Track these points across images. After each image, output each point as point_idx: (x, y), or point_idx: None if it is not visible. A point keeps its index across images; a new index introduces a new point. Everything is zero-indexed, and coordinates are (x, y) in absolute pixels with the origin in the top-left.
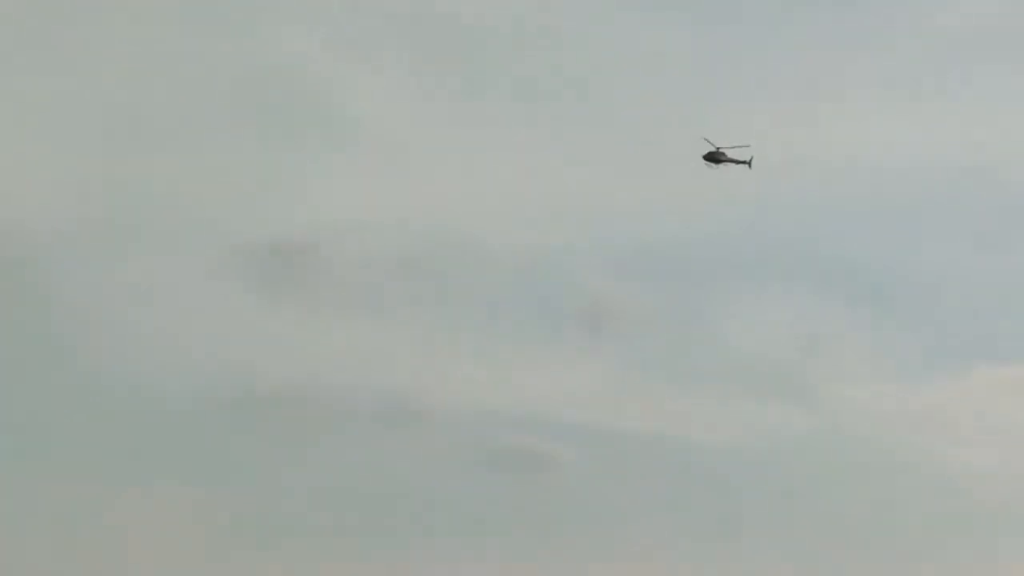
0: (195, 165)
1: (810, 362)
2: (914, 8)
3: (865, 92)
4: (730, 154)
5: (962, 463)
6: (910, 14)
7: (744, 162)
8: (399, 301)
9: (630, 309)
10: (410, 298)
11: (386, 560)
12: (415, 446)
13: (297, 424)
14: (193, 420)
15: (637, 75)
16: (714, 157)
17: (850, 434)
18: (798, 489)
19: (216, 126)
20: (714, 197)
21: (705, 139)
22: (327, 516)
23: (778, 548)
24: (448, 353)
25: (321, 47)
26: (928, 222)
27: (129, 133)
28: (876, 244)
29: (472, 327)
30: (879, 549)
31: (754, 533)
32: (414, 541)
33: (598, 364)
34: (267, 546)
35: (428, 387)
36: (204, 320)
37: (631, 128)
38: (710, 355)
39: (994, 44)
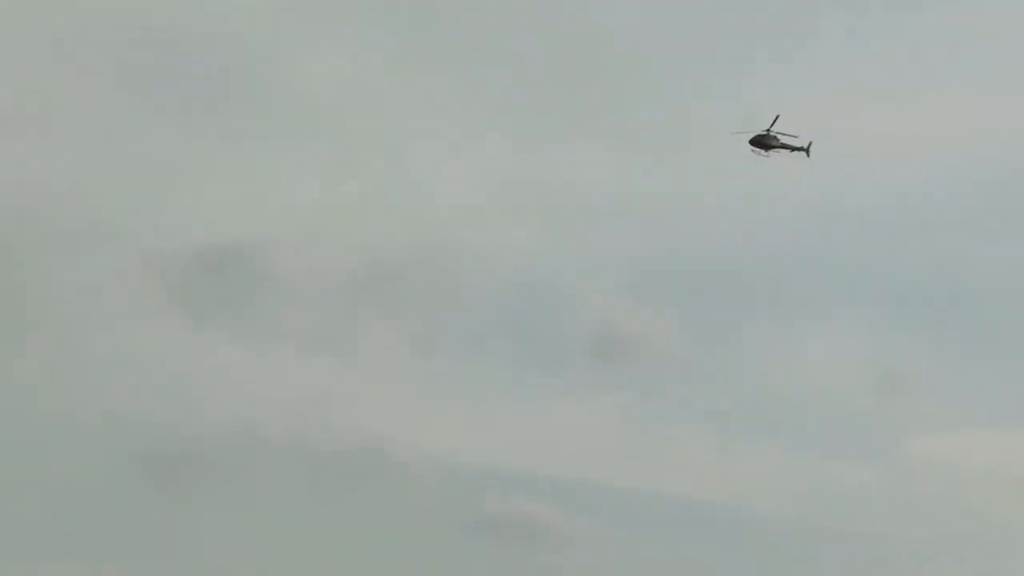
0: (102, 154)
1: (886, 407)
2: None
3: (950, 75)
4: (784, 139)
5: None
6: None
7: (801, 149)
8: (365, 325)
9: (652, 339)
10: (378, 321)
11: None
12: (384, 509)
13: (234, 484)
14: (98, 482)
15: (659, 49)
16: (763, 142)
17: (937, 496)
18: (872, 566)
19: (129, 105)
20: (760, 198)
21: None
22: None
23: None
24: (425, 392)
25: (266, 5)
26: None
27: (18, 116)
28: (968, 259)
29: (454, 360)
30: None
31: None
32: None
33: (612, 408)
34: None
35: (400, 435)
36: (109, 350)
37: (653, 113)
38: (756, 398)
39: None
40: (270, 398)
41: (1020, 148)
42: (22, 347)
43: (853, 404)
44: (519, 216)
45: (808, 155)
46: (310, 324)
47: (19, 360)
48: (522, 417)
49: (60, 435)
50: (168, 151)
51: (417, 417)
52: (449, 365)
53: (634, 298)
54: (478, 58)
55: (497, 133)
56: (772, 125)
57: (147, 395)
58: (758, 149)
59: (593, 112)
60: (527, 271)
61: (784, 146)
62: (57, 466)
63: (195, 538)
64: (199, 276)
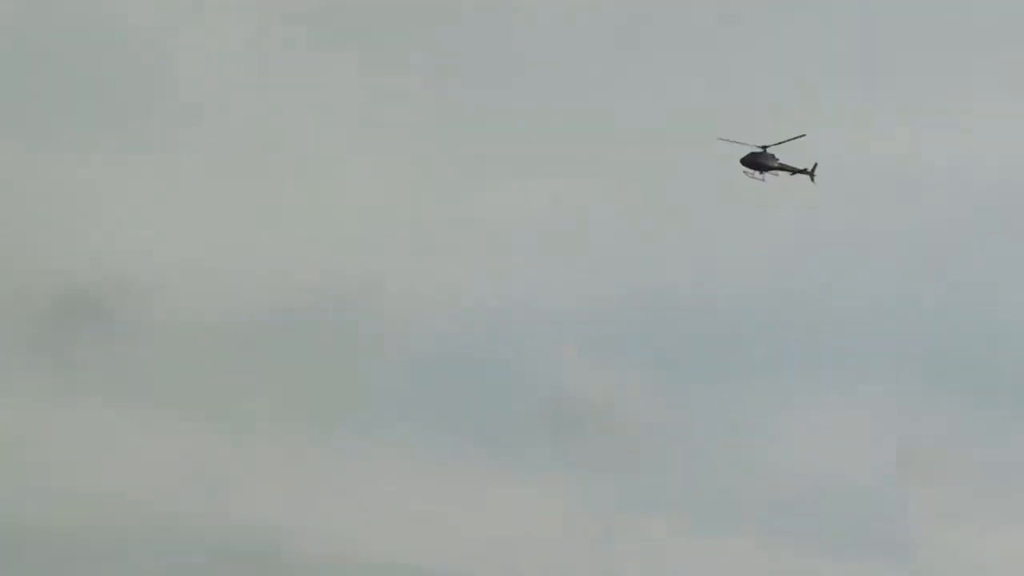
0: None
1: (903, 496)
2: None
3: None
4: (783, 159)
5: None
6: None
7: (803, 171)
8: (259, 388)
9: (618, 408)
10: (276, 383)
11: None
12: None
13: None
14: None
15: (630, 56)
16: (758, 162)
17: None
18: None
19: None
20: (753, 233)
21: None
22: None
23: None
24: (333, 473)
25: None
26: None
27: None
28: (1005, 314)
29: (370, 432)
30: None
31: None
32: None
33: (570, 497)
34: None
35: (302, 528)
36: None
37: (621, 131)
38: (747, 484)
39: None
40: (139, 477)
41: None
42: None
43: (863, 493)
44: (452, 255)
45: (812, 179)
46: (188, 385)
47: None
48: (453, 506)
49: None
50: (19, 171)
51: (323, 505)
52: (363, 438)
53: (595, 357)
54: (405, 63)
55: (428, 152)
56: (782, 143)
57: None
58: (751, 170)
59: (548, 128)
60: (461, 322)
61: (783, 168)
62: None
63: None
64: (58, 324)
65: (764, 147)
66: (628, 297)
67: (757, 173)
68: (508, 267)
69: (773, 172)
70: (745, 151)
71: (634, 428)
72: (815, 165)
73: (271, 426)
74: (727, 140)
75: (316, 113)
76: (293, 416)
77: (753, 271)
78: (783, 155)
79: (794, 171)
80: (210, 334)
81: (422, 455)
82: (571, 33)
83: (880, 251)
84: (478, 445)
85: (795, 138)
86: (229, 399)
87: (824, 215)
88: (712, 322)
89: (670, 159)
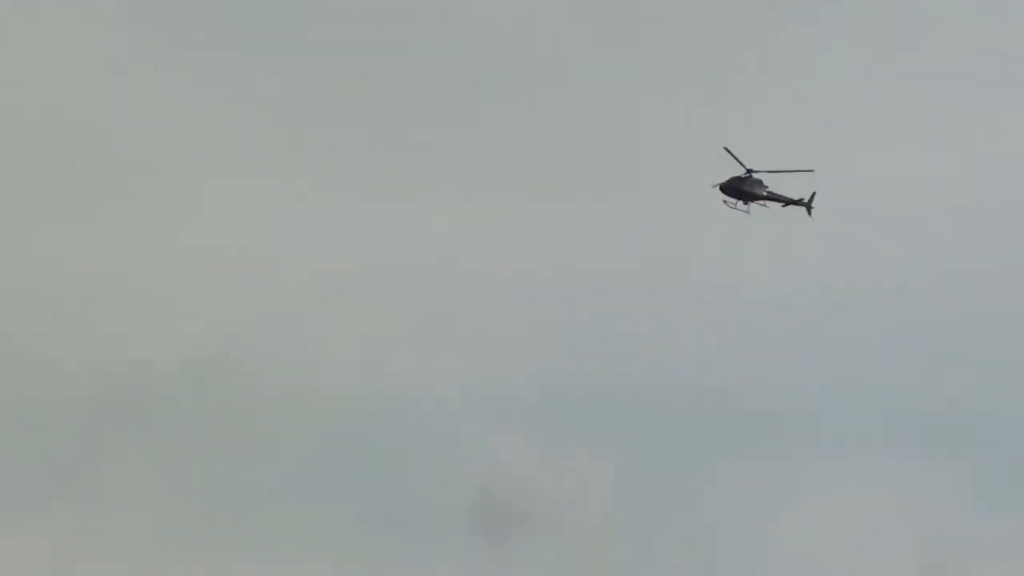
0: None
1: None
2: None
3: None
4: (772, 186)
5: None
6: None
7: (799, 202)
8: (115, 469)
9: (571, 500)
10: (137, 463)
11: None
12: None
13: None
14: None
15: (598, 59)
16: (742, 189)
17: None
18: None
19: None
20: (739, 276)
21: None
22: None
23: None
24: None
25: None
26: None
27: None
28: None
29: (263, 521)
30: None
31: None
32: None
33: None
34: None
35: None
36: None
37: (583, 150)
38: None
39: None
40: None
41: None
42: None
43: None
44: (365, 306)
45: (809, 212)
46: (34, 465)
47: None
48: None
49: None
50: None
51: None
52: (255, 529)
53: (545, 436)
54: (299, 62)
55: (333, 175)
56: (782, 172)
57: None
58: (733, 200)
59: (490, 146)
60: (376, 390)
61: (773, 197)
62: None
63: None
64: None
65: (750, 171)
66: (590, 361)
67: (741, 203)
68: (443, 322)
69: (761, 202)
70: (740, 172)
71: (591, 524)
72: (813, 195)
73: (132, 514)
74: (731, 154)
75: (203, 137)
76: (159, 498)
77: (744, 327)
78: (777, 184)
79: (787, 202)
80: (57, 402)
81: (329, 552)
82: (568, 32)
83: (902, 304)
84: (398, 540)
85: (800, 171)
86: (80, 483)
87: (829, 255)
88: (685, 396)
89: (645, 193)
